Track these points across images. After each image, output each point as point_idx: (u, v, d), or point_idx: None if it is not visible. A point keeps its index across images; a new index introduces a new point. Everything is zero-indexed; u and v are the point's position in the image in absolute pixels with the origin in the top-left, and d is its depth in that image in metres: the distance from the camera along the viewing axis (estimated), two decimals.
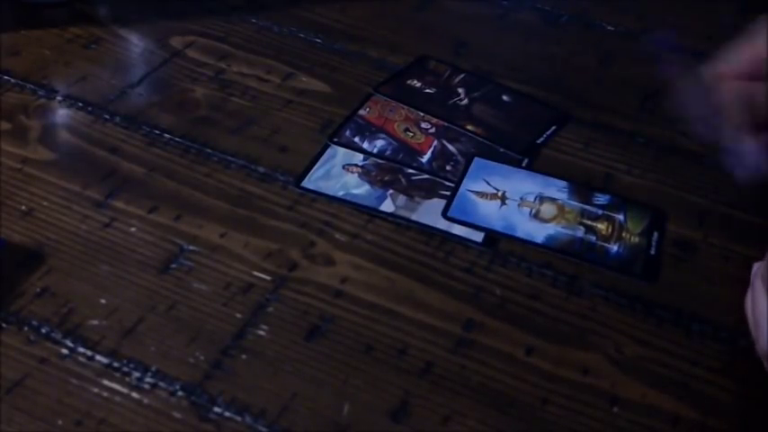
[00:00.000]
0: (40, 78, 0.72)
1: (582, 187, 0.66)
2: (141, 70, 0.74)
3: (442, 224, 0.62)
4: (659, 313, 0.58)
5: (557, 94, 0.75)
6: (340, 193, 0.64)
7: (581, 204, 0.65)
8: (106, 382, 0.52)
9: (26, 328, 0.54)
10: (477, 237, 0.62)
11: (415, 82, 0.75)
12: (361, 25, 0.81)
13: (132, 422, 0.50)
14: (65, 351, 0.53)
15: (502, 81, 0.76)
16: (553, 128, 0.71)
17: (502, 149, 0.68)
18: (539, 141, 0.69)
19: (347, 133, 0.69)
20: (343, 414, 0.51)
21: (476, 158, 0.67)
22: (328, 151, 0.67)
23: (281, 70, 0.75)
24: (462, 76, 0.76)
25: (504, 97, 0.74)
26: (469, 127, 0.70)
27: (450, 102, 0.73)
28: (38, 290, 0.56)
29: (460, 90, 0.74)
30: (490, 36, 0.82)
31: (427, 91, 0.74)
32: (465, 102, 0.73)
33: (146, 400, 0.51)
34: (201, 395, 0.51)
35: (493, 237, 0.62)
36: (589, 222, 0.63)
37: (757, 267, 0.52)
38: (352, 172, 0.66)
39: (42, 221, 0.60)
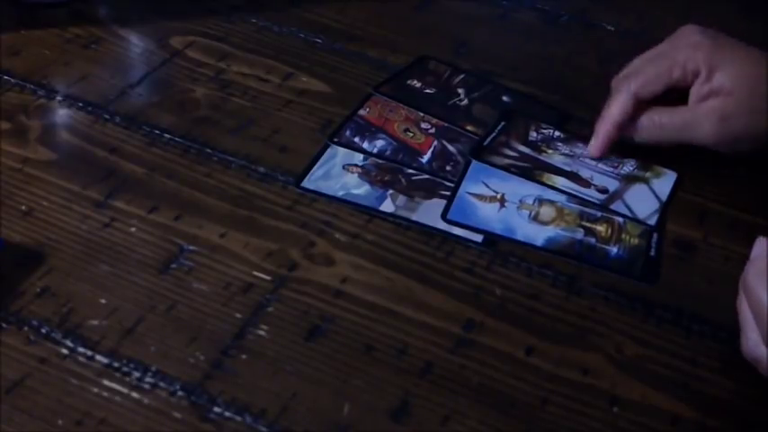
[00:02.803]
0: (40, 78, 0.72)
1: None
2: (141, 70, 0.74)
3: (442, 224, 0.62)
4: (659, 313, 0.58)
5: (557, 94, 0.75)
6: (340, 193, 0.64)
7: (580, 206, 0.65)
8: (106, 382, 0.52)
9: (26, 328, 0.54)
10: (477, 237, 0.62)
11: (415, 82, 0.75)
12: (361, 25, 0.81)
13: (132, 422, 0.50)
14: (65, 351, 0.53)
15: (502, 81, 0.76)
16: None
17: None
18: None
19: (347, 133, 0.69)
20: (343, 414, 0.51)
21: (474, 161, 0.67)
22: (328, 151, 0.67)
23: (281, 70, 0.75)
24: (462, 76, 0.76)
25: (505, 98, 0.74)
26: (469, 127, 0.70)
27: (450, 102, 0.73)
28: (38, 290, 0.56)
29: (460, 90, 0.74)
30: (490, 36, 0.82)
31: (427, 91, 0.74)
32: (465, 102, 0.73)
33: (146, 400, 0.51)
34: (201, 395, 0.51)
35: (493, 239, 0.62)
36: (588, 224, 0.63)
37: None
38: (352, 172, 0.66)
39: (42, 221, 0.60)
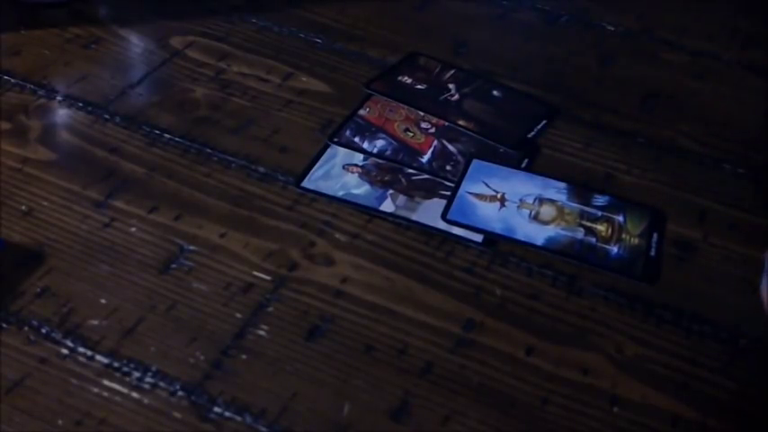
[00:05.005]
0: (40, 78, 0.72)
1: (581, 188, 0.66)
2: (141, 70, 0.74)
3: (442, 224, 0.62)
4: (659, 313, 0.58)
5: (557, 94, 0.75)
6: (340, 193, 0.64)
7: (580, 206, 0.65)
8: (106, 382, 0.52)
9: (26, 328, 0.54)
10: (477, 237, 0.62)
11: (406, 78, 0.75)
12: (361, 25, 0.81)
13: (132, 422, 0.50)
14: (65, 351, 0.53)
15: (502, 81, 0.76)
16: (544, 122, 0.71)
17: (502, 149, 0.68)
18: (529, 135, 0.69)
19: (347, 133, 0.69)
20: (343, 414, 0.51)
21: (474, 160, 0.67)
22: (328, 151, 0.67)
23: (281, 70, 0.75)
24: (452, 72, 0.76)
25: (495, 92, 0.74)
26: (461, 122, 0.70)
27: (441, 98, 0.73)
28: (38, 290, 0.56)
29: (451, 86, 0.74)
30: (490, 36, 0.82)
31: (418, 87, 0.74)
32: (456, 97, 0.73)
33: (146, 400, 0.51)
34: (201, 395, 0.51)
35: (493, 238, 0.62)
36: (589, 224, 0.63)
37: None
38: (352, 172, 0.66)
39: (42, 221, 0.60)
